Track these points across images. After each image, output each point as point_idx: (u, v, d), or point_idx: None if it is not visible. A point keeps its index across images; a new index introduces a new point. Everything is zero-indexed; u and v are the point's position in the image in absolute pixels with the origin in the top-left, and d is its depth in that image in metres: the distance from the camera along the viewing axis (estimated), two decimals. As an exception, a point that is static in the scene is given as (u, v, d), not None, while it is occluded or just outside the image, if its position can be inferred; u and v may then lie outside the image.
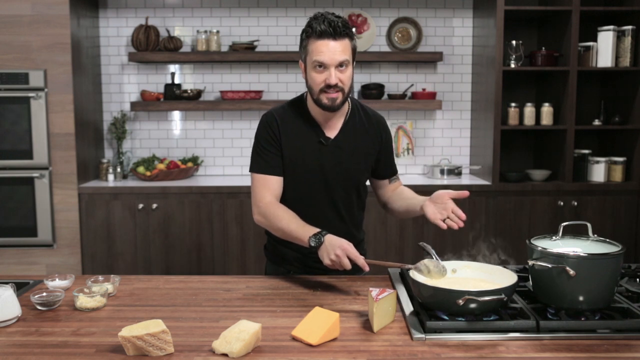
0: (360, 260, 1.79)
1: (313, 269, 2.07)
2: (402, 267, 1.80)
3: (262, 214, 1.99)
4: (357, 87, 4.19)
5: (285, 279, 2.01)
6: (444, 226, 1.86)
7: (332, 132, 2.03)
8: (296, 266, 2.11)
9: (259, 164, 2.03)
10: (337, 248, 1.79)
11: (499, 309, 1.56)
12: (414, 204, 2.02)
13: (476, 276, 1.75)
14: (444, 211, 1.88)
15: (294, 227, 1.90)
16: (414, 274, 1.69)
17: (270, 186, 2.01)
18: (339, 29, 1.86)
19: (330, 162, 2.02)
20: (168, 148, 4.34)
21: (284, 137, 2.01)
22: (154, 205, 3.79)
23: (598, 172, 3.97)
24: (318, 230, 1.86)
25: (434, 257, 1.86)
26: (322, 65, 1.88)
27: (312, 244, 1.83)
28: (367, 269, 1.80)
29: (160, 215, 3.81)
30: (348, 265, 1.78)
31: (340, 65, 1.89)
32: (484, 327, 1.50)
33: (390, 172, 2.19)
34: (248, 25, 4.25)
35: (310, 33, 1.89)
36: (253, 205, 2.03)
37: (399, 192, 2.17)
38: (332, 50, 1.87)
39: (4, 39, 3.66)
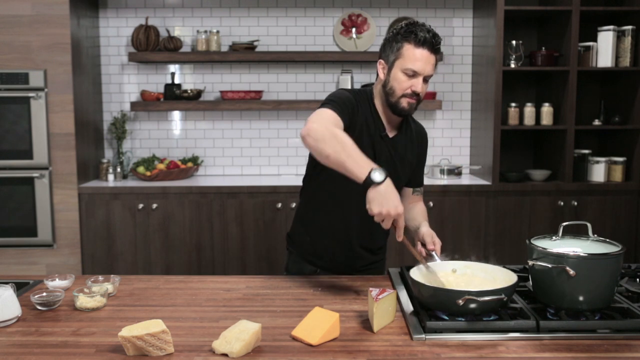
0: (400, 231, 1.68)
1: (345, 266, 2.07)
2: (422, 262, 1.78)
3: (325, 126, 1.75)
4: (357, 87, 4.18)
5: (285, 279, 2.01)
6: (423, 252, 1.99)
7: (391, 132, 2.04)
8: (325, 262, 2.09)
9: (332, 106, 1.87)
10: (392, 206, 1.61)
11: (499, 309, 1.56)
12: (414, 225, 2.11)
13: (476, 276, 1.75)
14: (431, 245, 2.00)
15: (358, 151, 1.70)
16: (414, 274, 1.69)
17: (338, 124, 1.82)
18: (438, 44, 1.89)
19: (385, 157, 2.00)
20: (168, 148, 4.34)
21: (356, 117, 1.95)
22: (154, 205, 3.79)
23: (598, 172, 3.96)
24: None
25: (435, 257, 1.88)
26: (414, 73, 1.89)
27: (376, 178, 1.62)
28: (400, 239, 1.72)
29: (160, 215, 3.81)
30: (387, 226, 1.65)
31: (426, 77, 1.91)
32: (484, 327, 1.50)
33: (416, 182, 2.19)
34: (248, 25, 4.25)
35: (410, 38, 1.87)
36: (314, 118, 1.80)
37: (412, 207, 2.17)
38: (427, 61, 1.89)
39: (4, 39, 3.66)
